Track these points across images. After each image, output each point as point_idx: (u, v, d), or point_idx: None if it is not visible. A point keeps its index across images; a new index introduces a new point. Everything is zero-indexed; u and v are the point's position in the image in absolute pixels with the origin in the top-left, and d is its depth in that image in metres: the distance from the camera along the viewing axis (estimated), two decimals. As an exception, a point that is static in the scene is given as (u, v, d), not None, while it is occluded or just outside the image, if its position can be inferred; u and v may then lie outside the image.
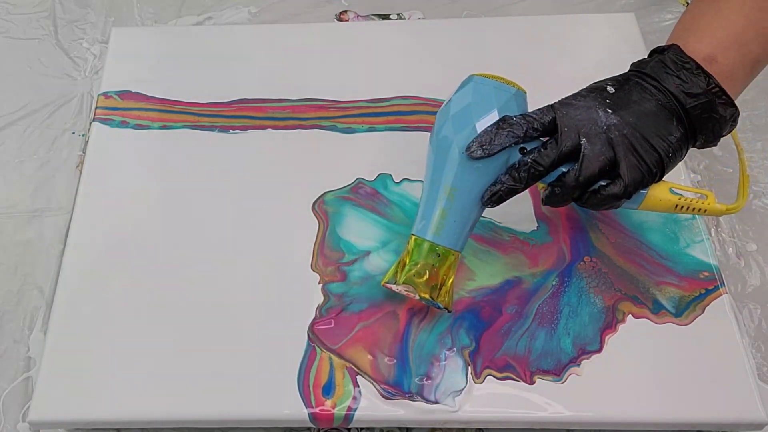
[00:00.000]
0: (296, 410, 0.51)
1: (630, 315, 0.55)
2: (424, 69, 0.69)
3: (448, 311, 0.52)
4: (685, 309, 0.55)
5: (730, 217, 0.63)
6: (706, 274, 0.57)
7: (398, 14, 0.78)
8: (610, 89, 0.51)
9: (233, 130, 0.66)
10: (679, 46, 0.51)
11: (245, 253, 0.58)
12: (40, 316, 0.59)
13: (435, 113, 0.67)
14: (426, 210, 0.52)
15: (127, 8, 0.79)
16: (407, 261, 0.52)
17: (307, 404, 0.51)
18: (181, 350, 0.54)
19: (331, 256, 0.58)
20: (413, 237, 0.52)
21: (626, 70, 0.54)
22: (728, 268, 0.60)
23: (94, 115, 0.67)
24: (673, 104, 0.50)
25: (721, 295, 0.56)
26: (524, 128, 0.50)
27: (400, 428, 0.54)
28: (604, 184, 0.49)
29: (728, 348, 0.53)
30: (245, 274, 0.57)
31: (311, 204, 0.61)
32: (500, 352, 0.53)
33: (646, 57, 0.53)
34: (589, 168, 0.49)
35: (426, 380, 0.52)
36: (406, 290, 0.52)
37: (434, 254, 0.52)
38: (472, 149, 0.49)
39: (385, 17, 0.77)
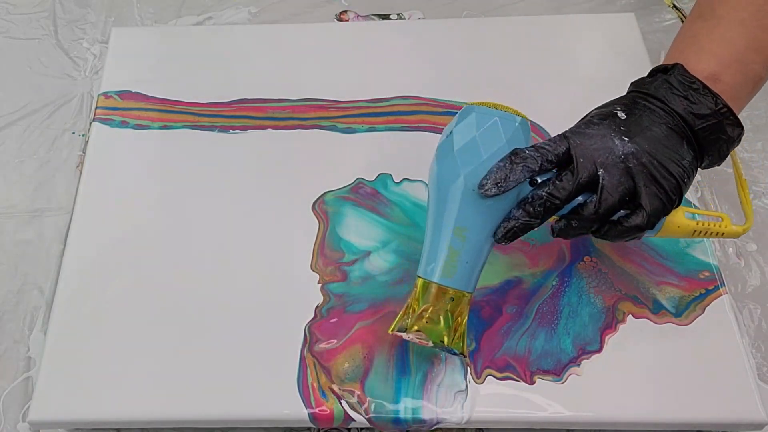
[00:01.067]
0: (296, 410, 0.51)
1: (630, 315, 0.55)
2: (424, 69, 0.69)
3: (464, 356, 0.50)
4: (685, 309, 0.55)
5: (730, 217, 0.63)
6: (706, 274, 0.57)
7: (398, 14, 0.78)
8: (621, 115, 0.49)
9: (233, 130, 0.66)
10: (683, 66, 0.49)
11: (245, 253, 0.58)
12: (40, 316, 0.59)
13: (435, 113, 0.67)
14: (434, 251, 0.49)
15: (127, 8, 0.79)
16: (416, 306, 0.49)
17: (307, 404, 0.51)
18: (181, 350, 0.54)
19: (331, 256, 0.58)
20: (421, 280, 0.49)
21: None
22: (728, 268, 0.60)
23: (94, 115, 0.67)
24: (681, 126, 0.48)
25: (721, 295, 0.56)
26: (539, 162, 0.47)
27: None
28: (624, 215, 0.47)
29: (728, 348, 0.53)
30: (245, 274, 0.57)
31: (311, 204, 0.61)
32: (500, 352, 0.53)
33: (646, 76, 0.51)
34: (608, 199, 0.46)
35: (427, 382, 0.52)
36: (418, 338, 0.49)
37: (447, 298, 0.49)
38: (486, 187, 0.46)
39: (385, 17, 0.77)
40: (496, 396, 0.52)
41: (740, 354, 0.53)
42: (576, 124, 0.50)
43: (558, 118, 0.65)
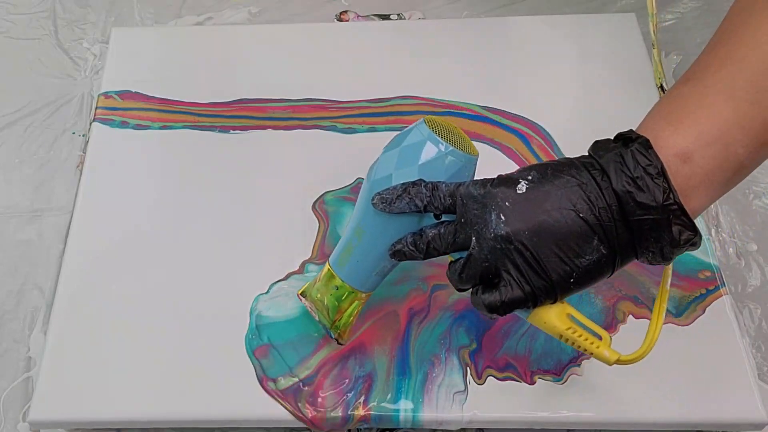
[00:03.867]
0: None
1: (630, 315, 0.55)
2: (424, 69, 0.69)
3: (339, 344, 0.52)
4: (686, 309, 0.55)
5: (730, 217, 0.63)
6: (707, 274, 0.57)
7: (398, 14, 0.78)
8: (521, 188, 0.42)
9: (233, 130, 0.66)
10: (648, 141, 0.41)
11: (245, 253, 0.58)
12: (41, 316, 0.59)
13: (435, 113, 0.67)
14: (341, 242, 0.51)
15: (127, 8, 0.79)
16: (317, 280, 0.52)
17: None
18: (181, 350, 0.54)
19: (331, 256, 0.58)
20: (327, 261, 0.51)
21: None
22: (728, 268, 0.60)
23: (95, 115, 0.67)
24: (605, 216, 0.41)
25: (721, 295, 0.56)
26: (424, 202, 0.45)
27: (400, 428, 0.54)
28: (481, 288, 0.44)
29: (729, 348, 0.53)
30: (245, 274, 0.57)
31: (311, 204, 0.61)
32: (501, 351, 0.53)
33: (612, 139, 0.44)
34: (471, 269, 0.43)
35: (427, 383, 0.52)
36: (310, 308, 0.52)
37: (332, 285, 0.50)
38: (374, 200, 0.46)
39: (385, 17, 0.77)
40: (496, 396, 0.52)
41: (740, 354, 0.53)
42: (477, 180, 0.45)
43: (558, 118, 0.66)
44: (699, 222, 0.59)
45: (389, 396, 0.52)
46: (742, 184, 0.64)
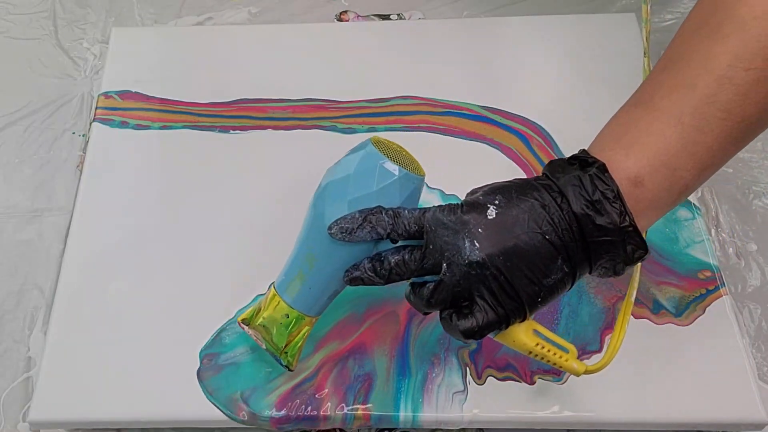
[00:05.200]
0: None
1: (630, 315, 0.55)
2: (424, 69, 0.69)
3: (290, 370, 0.50)
4: (686, 309, 0.55)
5: (730, 217, 0.63)
6: (707, 274, 0.57)
7: (398, 14, 0.78)
8: (491, 213, 0.43)
9: (233, 130, 0.66)
10: (604, 165, 0.43)
11: (245, 253, 0.58)
12: (41, 316, 0.59)
13: (435, 113, 0.66)
14: (288, 267, 0.49)
15: (127, 8, 0.79)
16: (262, 308, 0.50)
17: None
18: (181, 350, 0.54)
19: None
20: (272, 287, 0.50)
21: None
22: (728, 269, 0.60)
23: (94, 115, 0.67)
24: (562, 237, 0.42)
25: (721, 295, 0.56)
26: (388, 230, 0.45)
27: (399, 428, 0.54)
28: (456, 313, 0.44)
29: (728, 348, 0.53)
30: (245, 275, 0.57)
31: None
32: (501, 351, 0.53)
33: (567, 159, 0.45)
34: (442, 294, 0.43)
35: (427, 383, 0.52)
36: (255, 337, 0.50)
37: (284, 315, 0.49)
38: (332, 230, 0.45)
39: (385, 17, 0.77)
40: (496, 396, 0.52)
41: (740, 354, 0.53)
42: (442, 207, 0.45)
43: (558, 118, 0.66)
44: (699, 221, 0.59)
45: (389, 396, 0.52)
46: (743, 184, 0.65)
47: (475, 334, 0.43)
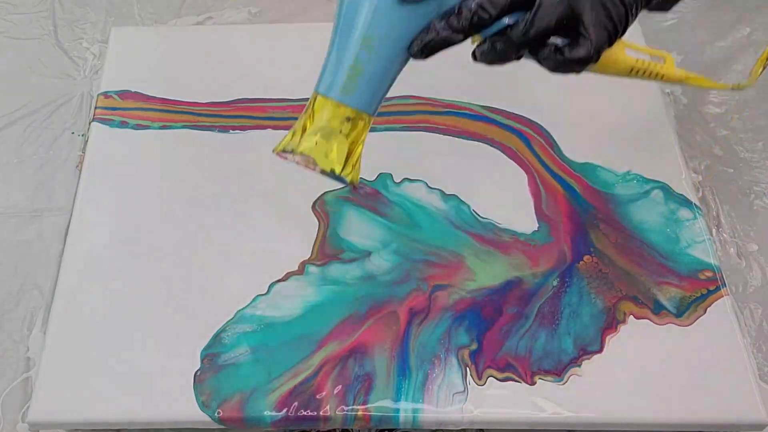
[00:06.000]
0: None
1: (631, 315, 0.55)
2: (424, 69, 0.69)
3: (354, 187, 0.44)
4: (686, 309, 0.55)
5: (731, 217, 0.63)
6: (708, 274, 0.57)
7: (398, 14, 0.77)
8: None
9: (233, 130, 0.66)
10: None
11: (245, 253, 0.58)
12: (40, 316, 0.59)
13: (436, 113, 0.66)
14: (335, 63, 0.42)
15: (127, 8, 0.79)
16: (308, 125, 0.43)
17: (308, 405, 0.51)
18: (181, 350, 0.54)
19: (331, 256, 0.58)
20: (317, 96, 0.43)
21: None
22: (729, 269, 0.60)
23: (94, 115, 0.67)
24: None
25: (722, 295, 0.56)
26: None
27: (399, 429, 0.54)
28: (560, 44, 0.40)
29: (729, 348, 0.53)
30: (245, 275, 0.57)
31: (311, 204, 0.61)
32: (501, 352, 0.53)
33: None
34: (543, 19, 0.40)
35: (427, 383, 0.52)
36: (305, 162, 0.43)
37: (343, 119, 0.42)
38: None
39: (386, 17, 0.77)
40: (496, 396, 0.52)
41: (741, 354, 0.53)
42: None
43: (558, 118, 0.66)
44: (699, 221, 0.59)
45: (389, 396, 0.52)
46: (743, 184, 0.65)
47: (592, 58, 0.40)
